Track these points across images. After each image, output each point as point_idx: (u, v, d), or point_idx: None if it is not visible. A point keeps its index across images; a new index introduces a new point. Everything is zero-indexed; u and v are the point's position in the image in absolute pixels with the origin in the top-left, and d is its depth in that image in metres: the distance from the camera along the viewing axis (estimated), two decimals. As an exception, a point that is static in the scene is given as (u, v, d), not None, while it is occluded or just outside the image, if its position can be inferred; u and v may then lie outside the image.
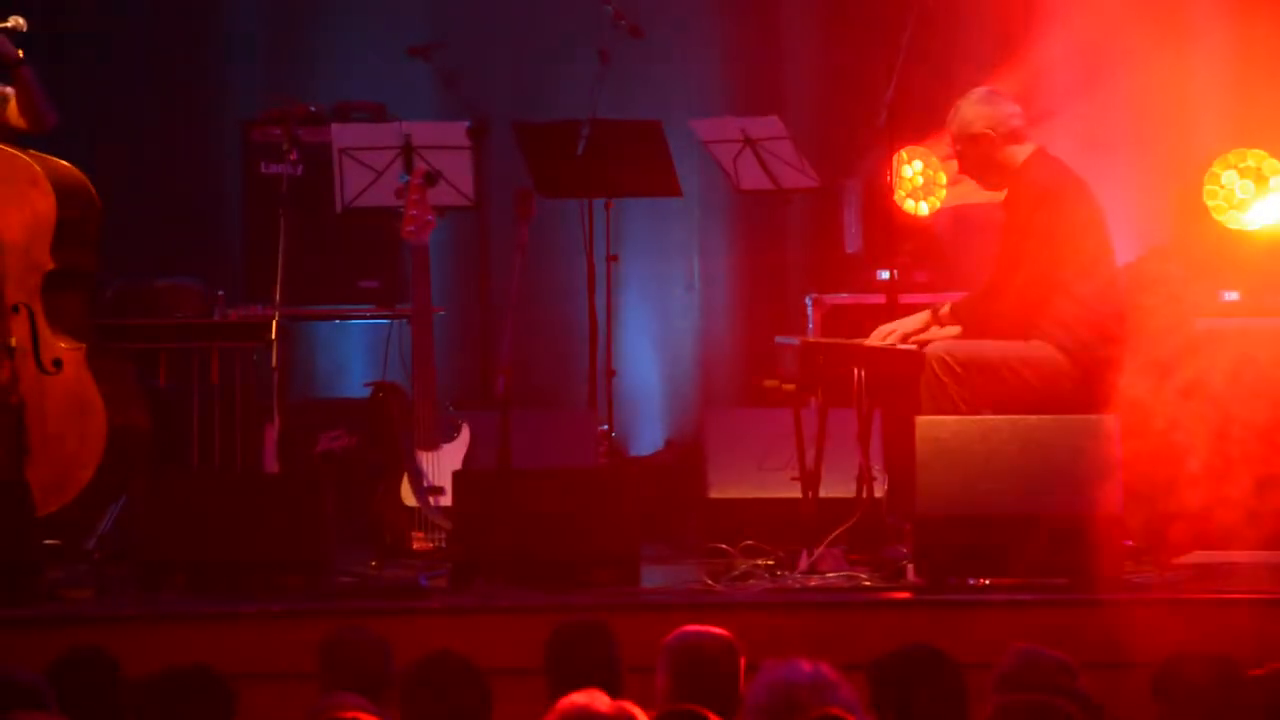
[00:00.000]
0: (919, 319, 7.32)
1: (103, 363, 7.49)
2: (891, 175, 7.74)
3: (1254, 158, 8.33)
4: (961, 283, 8.23)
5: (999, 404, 6.98)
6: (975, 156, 7.31)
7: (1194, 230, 8.39)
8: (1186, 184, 8.46)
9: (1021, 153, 7.26)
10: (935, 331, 7.29)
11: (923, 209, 8.93)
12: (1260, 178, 8.34)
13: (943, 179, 8.88)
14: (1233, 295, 8.05)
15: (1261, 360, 7.70)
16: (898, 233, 8.14)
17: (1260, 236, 8.32)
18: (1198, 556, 7.34)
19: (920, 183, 8.94)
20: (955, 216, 8.92)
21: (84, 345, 7.43)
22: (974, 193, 7.71)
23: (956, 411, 6.96)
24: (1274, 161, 8.32)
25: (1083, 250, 7.17)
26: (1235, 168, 8.35)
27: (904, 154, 8.67)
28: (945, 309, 7.30)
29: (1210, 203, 8.34)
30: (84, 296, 7.64)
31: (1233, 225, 8.34)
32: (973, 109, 7.30)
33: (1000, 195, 7.36)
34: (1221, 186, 8.35)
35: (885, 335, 7.33)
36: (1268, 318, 7.89)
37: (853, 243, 9.04)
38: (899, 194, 8.66)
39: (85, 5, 9.57)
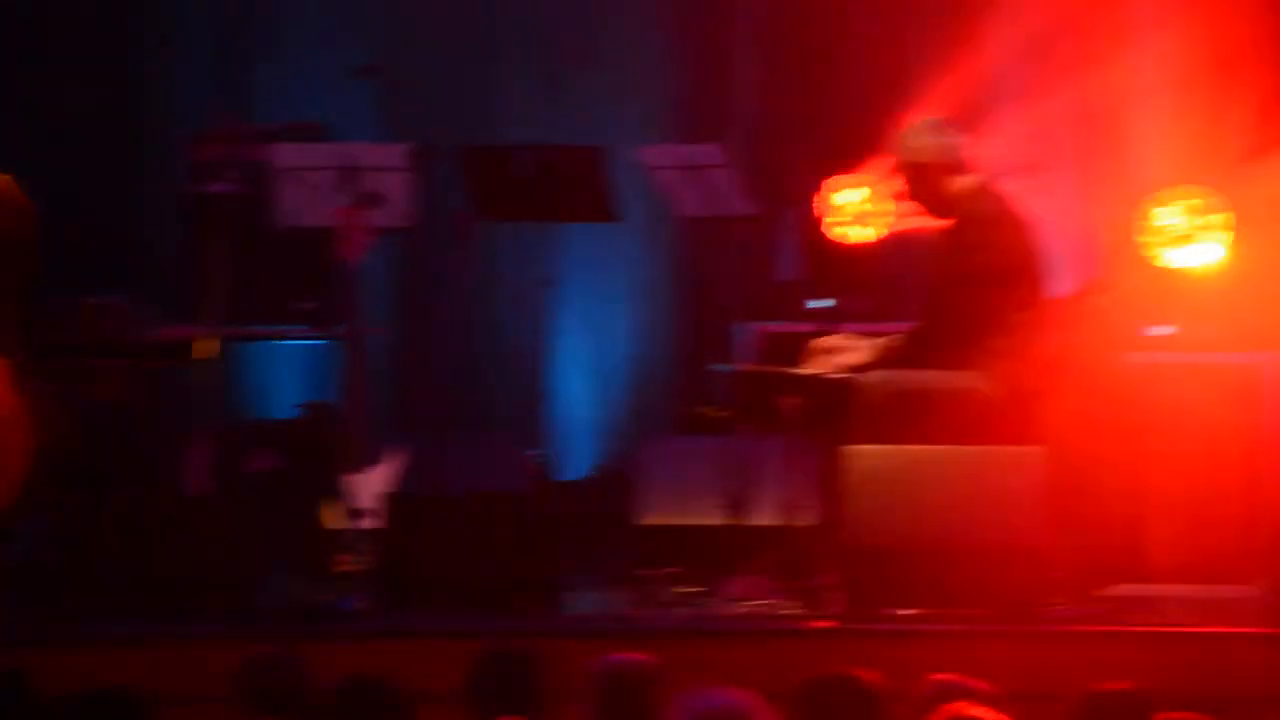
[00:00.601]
0: (861, 353, 7.30)
1: (29, 379, 7.42)
2: (824, 204, 7.75)
3: (1191, 195, 8.36)
4: (900, 312, 8.24)
5: (929, 437, 6.98)
6: (921, 186, 7.32)
7: (1128, 265, 8.41)
8: (1122, 220, 8.48)
9: (965, 183, 7.28)
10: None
11: (865, 235, 8.91)
12: (1197, 215, 8.36)
13: (888, 205, 8.88)
14: (1165, 330, 8.08)
15: (1191, 396, 7.74)
16: (835, 261, 8.14)
17: (1195, 273, 8.35)
18: (1123, 589, 7.37)
19: (859, 210, 8.94)
20: (899, 243, 8.91)
21: (10, 361, 7.36)
22: (918, 214, 7.71)
23: (886, 443, 6.97)
24: (1211, 199, 8.35)
25: (1018, 284, 7.19)
26: (1171, 205, 8.37)
27: (837, 181, 8.68)
28: (885, 341, 7.30)
29: (1146, 239, 8.37)
30: (12, 311, 7.57)
31: (1167, 263, 8.36)
32: (918, 139, 7.31)
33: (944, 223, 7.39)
34: (1158, 223, 8.37)
35: (827, 349, 7.32)
36: (1199, 353, 7.92)
37: (786, 271, 9.04)
38: (833, 222, 8.66)
39: (23, 17, 9.51)
